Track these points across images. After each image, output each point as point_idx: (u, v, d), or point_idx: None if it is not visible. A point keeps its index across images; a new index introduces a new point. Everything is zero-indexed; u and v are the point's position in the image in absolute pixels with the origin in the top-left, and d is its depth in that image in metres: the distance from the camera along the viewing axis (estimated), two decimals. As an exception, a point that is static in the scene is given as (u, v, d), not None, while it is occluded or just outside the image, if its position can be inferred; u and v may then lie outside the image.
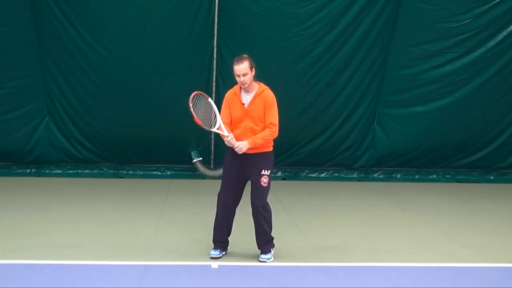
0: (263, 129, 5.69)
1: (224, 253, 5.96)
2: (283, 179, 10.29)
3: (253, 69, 5.64)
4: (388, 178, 10.52)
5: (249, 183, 5.84)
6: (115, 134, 9.84)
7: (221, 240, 5.93)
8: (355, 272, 5.73)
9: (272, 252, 5.91)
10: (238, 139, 5.65)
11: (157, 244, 6.32)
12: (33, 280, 5.22)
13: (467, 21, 9.47)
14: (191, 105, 5.66)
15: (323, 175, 10.44)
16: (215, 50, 9.49)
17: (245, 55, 5.68)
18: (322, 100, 9.93)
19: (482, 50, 9.68)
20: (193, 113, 5.65)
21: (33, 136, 9.87)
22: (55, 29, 9.22)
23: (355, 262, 5.98)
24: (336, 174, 10.46)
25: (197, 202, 8.36)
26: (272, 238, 5.94)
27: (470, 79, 9.87)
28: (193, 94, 5.75)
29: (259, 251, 5.89)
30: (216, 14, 9.22)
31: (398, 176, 10.55)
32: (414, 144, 10.32)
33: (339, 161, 10.47)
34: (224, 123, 5.74)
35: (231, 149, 5.70)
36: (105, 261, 5.76)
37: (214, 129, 5.76)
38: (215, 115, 5.79)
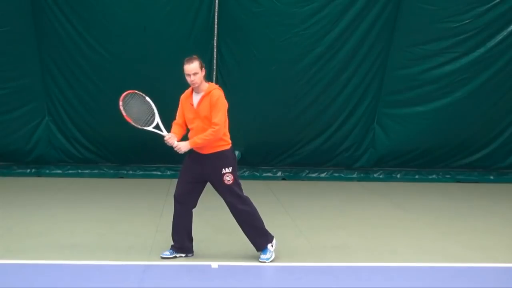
0: None
1: (182, 255, 5.86)
2: (283, 179, 10.28)
3: (203, 69, 5.61)
4: (388, 178, 10.51)
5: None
6: (115, 134, 9.82)
7: (177, 246, 5.87)
8: (355, 272, 5.73)
9: (271, 249, 5.80)
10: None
11: (157, 244, 6.31)
12: (33, 280, 5.22)
13: (467, 21, 9.45)
14: (121, 103, 5.78)
15: (323, 175, 10.44)
16: (215, 50, 9.48)
17: (195, 56, 5.62)
18: (322, 100, 9.92)
19: (482, 50, 9.67)
20: (122, 111, 5.77)
21: (33, 136, 9.87)
22: (55, 29, 9.21)
23: (355, 262, 5.98)
24: (336, 174, 10.46)
25: (197, 202, 8.35)
26: (266, 232, 5.81)
27: (470, 79, 9.86)
28: (126, 92, 5.87)
29: (259, 252, 5.85)
30: (216, 14, 9.21)
31: (398, 176, 10.55)
32: (414, 144, 10.32)
33: (339, 161, 10.47)
34: (176, 123, 5.84)
35: (192, 150, 5.70)
36: (105, 261, 5.76)
37: (149, 128, 5.82)
38: (153, 115, 5.85)
